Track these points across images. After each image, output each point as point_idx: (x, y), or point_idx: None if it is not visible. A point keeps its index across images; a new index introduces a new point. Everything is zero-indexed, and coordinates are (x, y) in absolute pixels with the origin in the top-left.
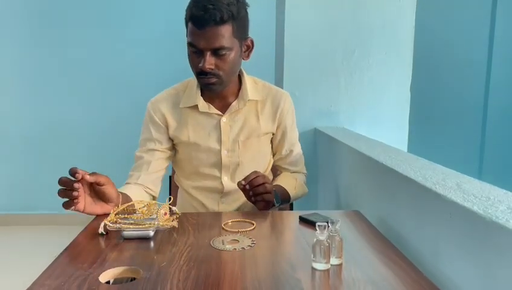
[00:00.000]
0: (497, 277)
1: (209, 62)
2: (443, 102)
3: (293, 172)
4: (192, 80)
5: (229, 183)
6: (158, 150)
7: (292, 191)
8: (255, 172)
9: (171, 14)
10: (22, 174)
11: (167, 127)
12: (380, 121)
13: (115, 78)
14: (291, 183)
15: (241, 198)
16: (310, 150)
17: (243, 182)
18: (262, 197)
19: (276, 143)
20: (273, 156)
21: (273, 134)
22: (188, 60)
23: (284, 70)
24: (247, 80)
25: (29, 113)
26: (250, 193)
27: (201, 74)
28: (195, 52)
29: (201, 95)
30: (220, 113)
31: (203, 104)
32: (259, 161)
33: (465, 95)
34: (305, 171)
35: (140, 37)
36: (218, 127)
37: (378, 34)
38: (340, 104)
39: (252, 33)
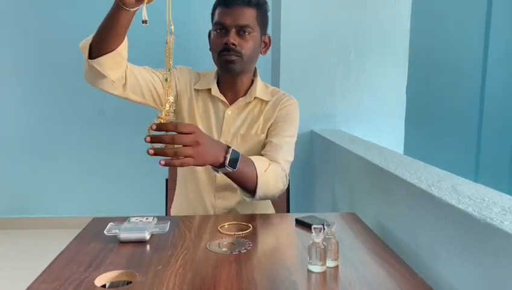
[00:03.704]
0: (492, 277)
1: (234, 38)
2: (439, 104)
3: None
4: (211, 72)
5: (222, 176)
6: (153, 73)
7: (261, 171)
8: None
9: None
10: (18, 177)
11: (175, 86)
12: (376, 123)
13: None
14: (262, 164)
15: (237, 194)
16: (306, 153)
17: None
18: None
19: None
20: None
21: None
22: (209, 50)
23: (280, 72)
24: (259, 82)
25: (24, 116)
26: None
27: (224, 50)
28: (220, 32)
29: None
30: (227, 103)
31: (215, 90)
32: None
33: (460, 97)
34: (285, 169)
35: (140, 37)
36: (222, 117)
37: (374, 37)
38: (336, 107)
39: None
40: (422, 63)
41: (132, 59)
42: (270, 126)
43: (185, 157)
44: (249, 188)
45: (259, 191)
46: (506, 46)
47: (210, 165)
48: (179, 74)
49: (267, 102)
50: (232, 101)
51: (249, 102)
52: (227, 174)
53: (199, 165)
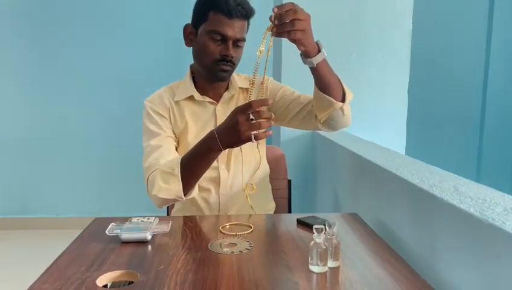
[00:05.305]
0: (493, 278)
1: (233, 50)
2: (441, 104)
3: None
4: (184, 80)
5: (225, 172)
6: (171, 137)
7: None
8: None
9: (167, 14)
10: (19, 177)
11: (170, 119)
12: (378, 123)
13: (111, 80)
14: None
15: (241, 194)
16: (308, 153)
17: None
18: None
19: (284, 105)
20: (294, 115)
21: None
22: (195, 49)
23: (282, 72)
24: (234, 74)
25: (25, 116)
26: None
27: (221, 60)
28: (217, 40)
29: (195, 88)
30: (215, 102)
31: (198, 94)
32: (252, 148)
33: (462, 97)
34: None
35: (137, 37)
36: (213, 115)
37: (376, 37)
38: None
39: (250, 34)
40: (424, 64)
41: (127, 57)
42: (279, 100)
43: (299, 30)
44: (336, 95)
45: (346, 104)
46: (508, 47)
47: (306, 50)
48: (157, 104)
49: (247, 89)
50: (217, 98)
51: (233, 94)
52: (318, 72)
53: (306, 43)
